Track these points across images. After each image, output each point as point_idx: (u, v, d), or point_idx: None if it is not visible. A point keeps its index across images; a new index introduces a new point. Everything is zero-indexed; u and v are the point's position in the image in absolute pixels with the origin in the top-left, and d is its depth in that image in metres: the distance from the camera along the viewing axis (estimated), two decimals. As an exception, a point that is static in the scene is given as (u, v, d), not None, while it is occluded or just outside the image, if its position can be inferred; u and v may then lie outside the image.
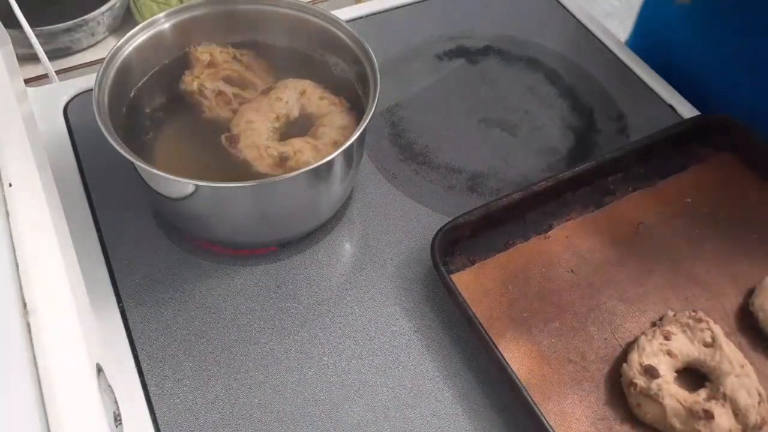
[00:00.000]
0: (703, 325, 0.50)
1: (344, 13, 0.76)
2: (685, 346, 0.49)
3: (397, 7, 0.80)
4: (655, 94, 0.71)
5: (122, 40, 0.55)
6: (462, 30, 0.78)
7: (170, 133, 0.56)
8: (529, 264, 0.56)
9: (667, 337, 0.49)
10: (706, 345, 0.49)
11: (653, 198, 0.61)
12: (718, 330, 0.50)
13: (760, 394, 0.46)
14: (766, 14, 0.64)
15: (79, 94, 0.68)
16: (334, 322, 0.53)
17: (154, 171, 0.47)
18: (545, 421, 0.45)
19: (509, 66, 0.74)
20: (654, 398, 0.46)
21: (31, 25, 0.78)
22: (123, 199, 0.59)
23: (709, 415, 0.45)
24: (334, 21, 0.58)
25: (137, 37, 0.56)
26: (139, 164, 0.47)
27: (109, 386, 0.38)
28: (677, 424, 0.46)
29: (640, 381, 0.47)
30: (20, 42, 0.70)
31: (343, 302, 0.54)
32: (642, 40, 0.81)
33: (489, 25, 0.78)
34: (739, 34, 0.67)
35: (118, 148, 0.47)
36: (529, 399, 0.46)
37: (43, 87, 0.69)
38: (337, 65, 0.59)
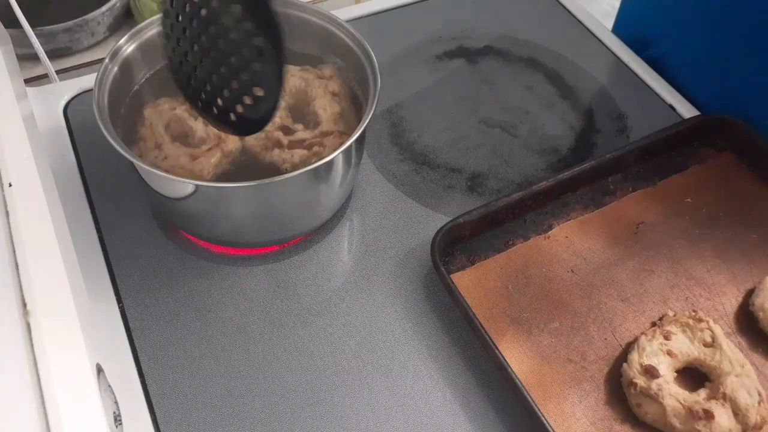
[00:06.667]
0: (703, 324, 0.50)
1: (344, 13, 0.76)
2: (685, 346, 0.49)
3: (397, 7, 0.80)
4: (655, 94, 0.71)
5: (122, 40, 0.55)
6: (462, 30, 0.78)
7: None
8: (529, 264, 0.56)
9: (667, 337, 0.49)
10: (706, 345, 0.49)
11: (653, 198, 0.61)
12: (718, 330, 0.50)
13: (760, 394, 0.46)
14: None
15: (79, 94, 0.68)
16: (334, 322, 0.53)
17: (154, 171, 0.47)
18: (545, 421, 0.45)
19: (509, 66, 0.74)
20: (654, 398, 0.46)
21: (32, 25, 0.78)
22: (123, 199, 0.59)
23: (709, 415, 0.45)
24: (334, 21, 0.58)
25: (137, 37, 0.56)
26: (139, 164, 0.47)
27: (109, 386, 0.38)
28: (677, 424, 0.46)
29: (640, 381, 0.47)
30: (20, 42, 0.70)
31: (343, 302, 0.54)
32: (626, 27, 0.80)
33: (489, 25, 0.78)
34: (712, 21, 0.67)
35: (118, 148, 0.47)
36: (529, 399, 0.46)
37: (43, 87, 0.69)
38: (337, 65, 0.59)
